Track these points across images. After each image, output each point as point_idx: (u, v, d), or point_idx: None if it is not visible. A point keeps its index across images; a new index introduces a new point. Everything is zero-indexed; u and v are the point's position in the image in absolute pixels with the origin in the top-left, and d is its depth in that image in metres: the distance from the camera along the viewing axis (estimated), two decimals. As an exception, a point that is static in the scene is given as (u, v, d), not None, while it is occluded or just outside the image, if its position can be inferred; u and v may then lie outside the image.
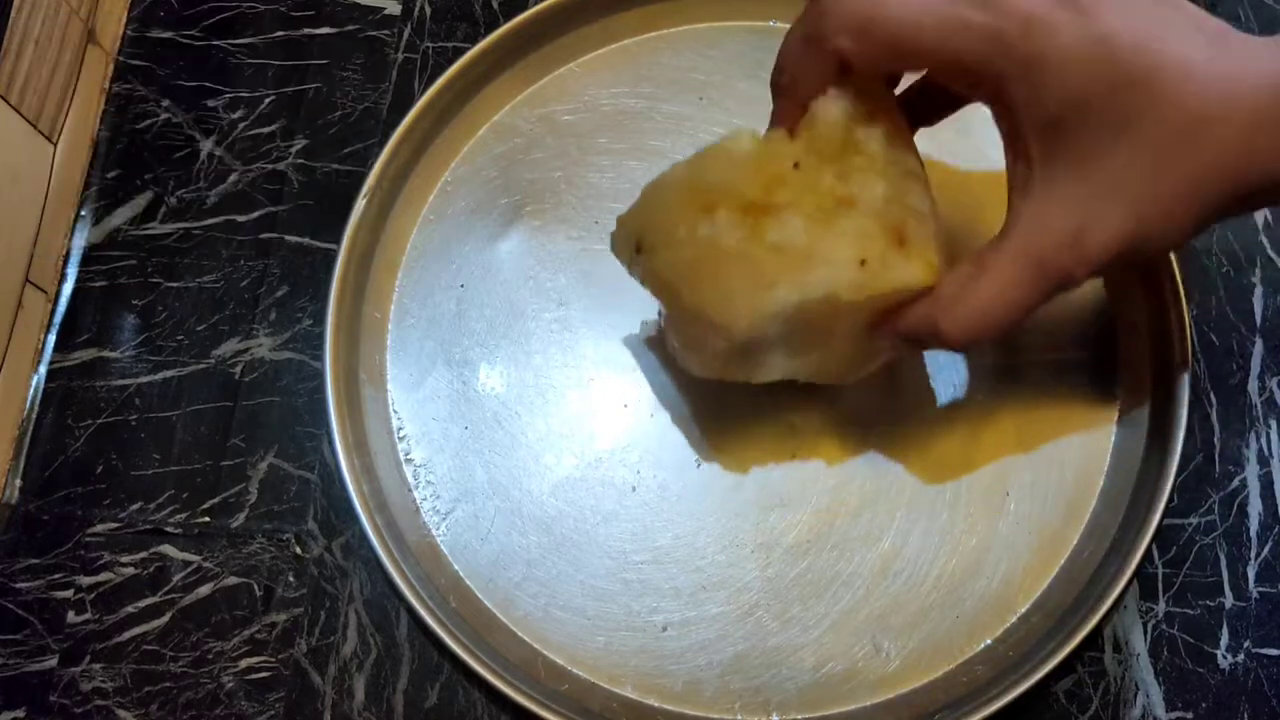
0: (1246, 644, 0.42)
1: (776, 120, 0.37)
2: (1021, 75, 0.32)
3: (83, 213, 0.50)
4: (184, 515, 0.46)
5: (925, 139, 0.40)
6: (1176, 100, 0.31)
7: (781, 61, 0.36)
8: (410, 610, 0.42)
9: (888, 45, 0.33)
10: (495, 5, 0.53)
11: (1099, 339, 0.46)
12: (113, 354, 0.48)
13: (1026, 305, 0.34)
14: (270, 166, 0.51)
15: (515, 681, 0.41)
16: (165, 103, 0.52)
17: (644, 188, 0.38)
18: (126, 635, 0.44)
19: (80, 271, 0.49)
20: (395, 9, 0.53)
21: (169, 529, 0.45)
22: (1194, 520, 0.44)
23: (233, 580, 0.45)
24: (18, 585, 0.45)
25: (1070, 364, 0.46)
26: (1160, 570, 0.43)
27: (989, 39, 0.32)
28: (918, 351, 0.45)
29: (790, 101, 0.36)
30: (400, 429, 0.46)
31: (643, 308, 0.47)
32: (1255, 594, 0.43)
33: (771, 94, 0.37)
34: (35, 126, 0.48)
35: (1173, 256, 0.45)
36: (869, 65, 0.34)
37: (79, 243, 0.50)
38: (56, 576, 0.45)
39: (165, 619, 0.44)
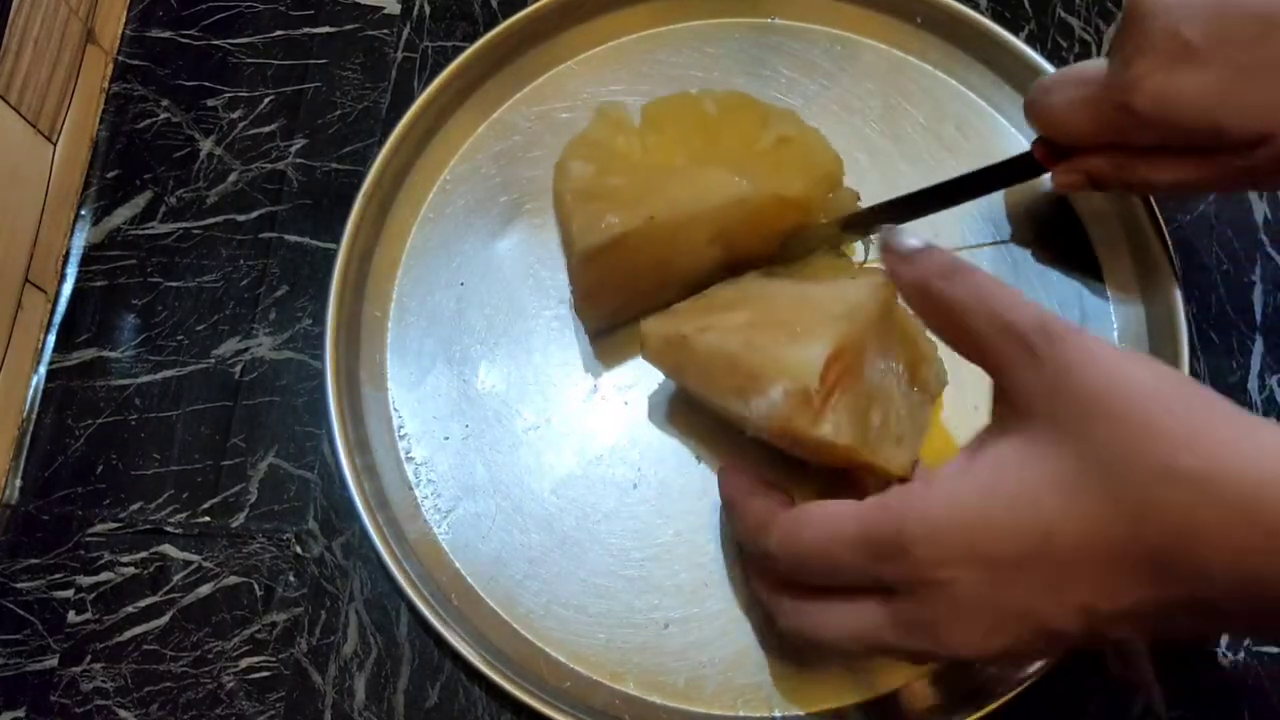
0: (1246, 643, 0.42)
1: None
2: None
3: (82, 212, 0.50)
4: (184, 515, 0.45)
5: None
6: None
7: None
8: (412, 608, 0.42)
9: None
10: (494, 4, 0.53)
11: (1097, 335, 0.46)
12: (113, 354, 0.48)
13: None
14: (270, 166, 0.51)
15: (517, 679, 0.41)
16: (165, 102, 0.52)
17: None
18: (127, 635, 0.44)
19: (80, 271, 0.49)
20: (394, 8, 0.53)
21: (169, 529, 0.45)
22: (1195, 516, 0.44)
23: (233, 580, 0.45)
24: (18, 585, 0.45)
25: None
26: (1161, 566, 0.43)
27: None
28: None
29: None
30: (401, 427, 0.46)
31: (643, 306, 0.47)
32: (1256, 590, 0.43)
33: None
34: (35, 126, 0.48)
35: (1169, 243, 0.45)
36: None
37: (79, 242, 0.50)
38: (57, 576, 0.45)
39: (165, 619, 0.44)
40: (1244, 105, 0.35)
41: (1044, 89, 0.40)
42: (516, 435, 0.46)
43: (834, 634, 0.33)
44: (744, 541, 0.38)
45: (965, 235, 0.48)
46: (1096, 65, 0.38)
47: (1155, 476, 0.27)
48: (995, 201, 0.48)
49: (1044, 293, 0.47)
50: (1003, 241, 0.48)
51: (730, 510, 0.38)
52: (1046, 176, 0.43)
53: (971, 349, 0.32)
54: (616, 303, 0.45)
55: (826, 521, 0.32)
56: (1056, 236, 0.48)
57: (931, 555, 0.30)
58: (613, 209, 0.40)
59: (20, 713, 0.43)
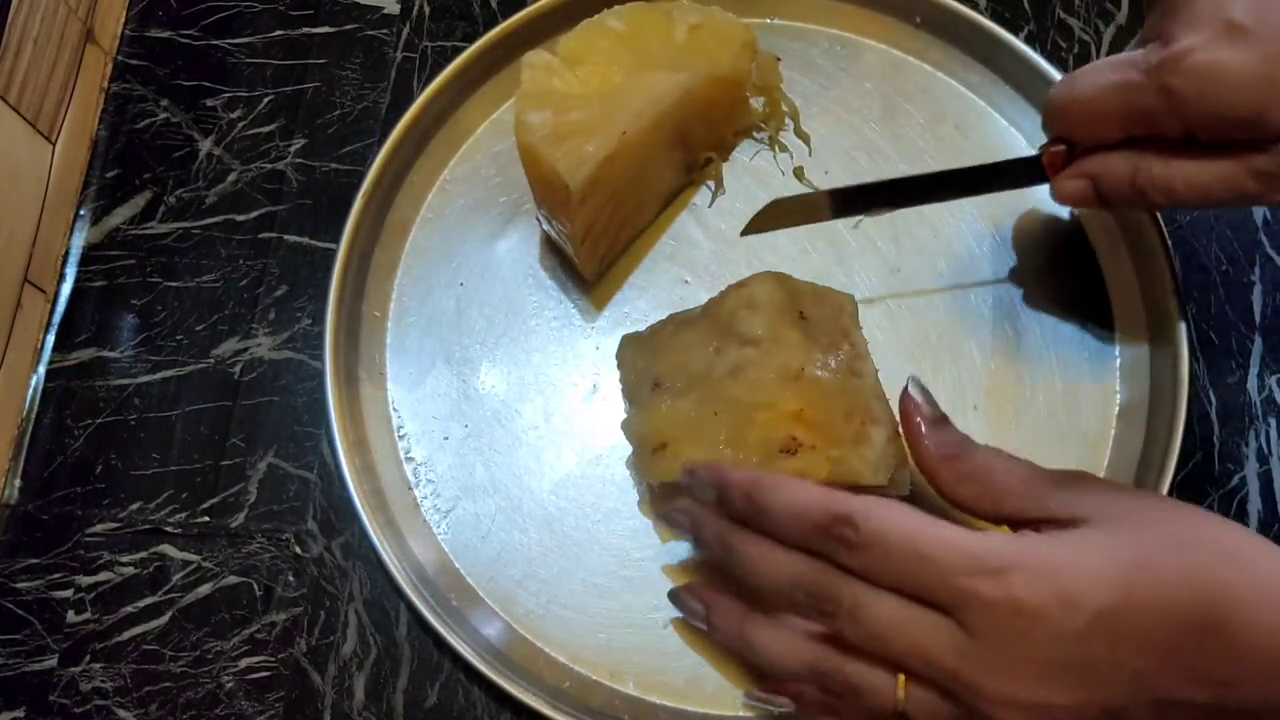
0: None
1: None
2: None
3: (82, 212, 0.50)
4: (183, 515, 0.45)
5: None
6: None
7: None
8: (411, 608, 0.42)
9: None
10: (494, 4, 0.53)
11: (1098, 337, 0.46)
12: (112, 354, 0.48)
13: None
14: (269, 166, 0.51)
15: (516, 679, 0.41)
16: (164, 102, 0.52)
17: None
18: (126, 635, 0.44)
19: (79, 271, 0.49)
20: (394, 8, 0.53)
21: (168, 529, 0.45)
22: (1194, 517, 0.44)
23: (232, 580, 0.44)
24: (18, 585, 0.45)
25: (1071, 360, 0.46)
26: (1161, 566, 0.43)
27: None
28: None
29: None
30: (400, 427, 0.46)
31: (642, 305, 0.47)
32: (1256, 590, 0.43)
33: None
34: (34, 126, 0.48)
35: (1166, 245, 0.45)
36: None
37: (78, 242, 0.50)
38: (56, 576, 0.45)
39: (165, 619, 0.44)
40: None
41: (1069, 80, 0.39)
42: (516, 435, 0.46)
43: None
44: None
45: (969, 244, 0.48)
46: (1128, 54, 0.38)
47: (1212, 552, 0.31)
48: (1004, 224, 0.48)
49: (1042, 331, 0.47)
50: (1002, 247, 0.48)
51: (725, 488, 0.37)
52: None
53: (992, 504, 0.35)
54: (610, 234, 0.46)
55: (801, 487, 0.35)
56: (1062, 259, 0.48)
57: (1033, 587, 0.31)
58: (587, 139, 0.41)
59: (20, 713, 0.43)
